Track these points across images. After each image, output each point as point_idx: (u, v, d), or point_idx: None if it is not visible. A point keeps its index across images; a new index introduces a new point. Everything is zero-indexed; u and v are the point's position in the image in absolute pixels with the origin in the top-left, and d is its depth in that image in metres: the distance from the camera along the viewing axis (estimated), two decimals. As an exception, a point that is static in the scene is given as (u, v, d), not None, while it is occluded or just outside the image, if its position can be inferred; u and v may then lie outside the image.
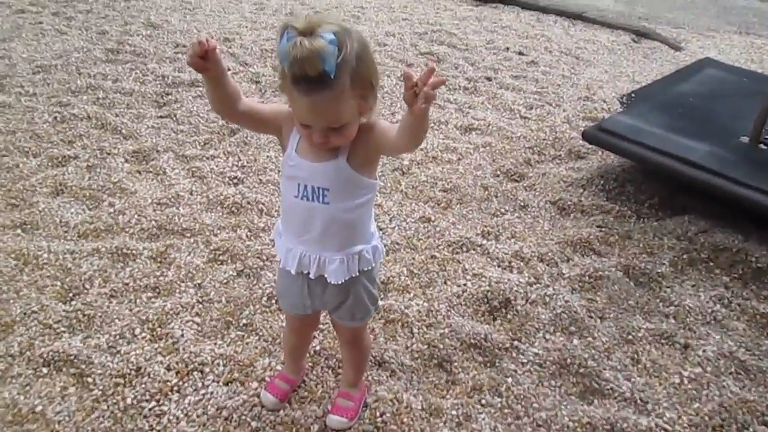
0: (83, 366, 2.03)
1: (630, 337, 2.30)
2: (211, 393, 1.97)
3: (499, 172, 3.41)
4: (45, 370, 2.02)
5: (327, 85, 1.27)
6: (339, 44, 1.24)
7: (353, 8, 6.23)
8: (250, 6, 5.99)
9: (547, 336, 2.29)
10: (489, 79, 4.65)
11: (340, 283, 1.58)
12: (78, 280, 2.39)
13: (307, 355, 2.08)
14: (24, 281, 2.37)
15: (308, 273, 1.59)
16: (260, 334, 2.21)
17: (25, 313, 2.22)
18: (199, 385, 2.00)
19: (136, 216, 2.77)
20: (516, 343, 2.24)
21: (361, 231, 1.58)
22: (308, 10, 5.97)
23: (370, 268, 1.62)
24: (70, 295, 2.33)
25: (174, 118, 3.67)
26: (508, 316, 2.37)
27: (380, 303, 2.28)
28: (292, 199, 1.52)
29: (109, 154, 3.25)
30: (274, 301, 2.33)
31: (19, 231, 2.65)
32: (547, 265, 2.69)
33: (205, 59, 1.30)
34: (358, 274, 1.60)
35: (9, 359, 2.04)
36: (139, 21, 5.22)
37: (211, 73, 1.36)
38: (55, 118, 3.55)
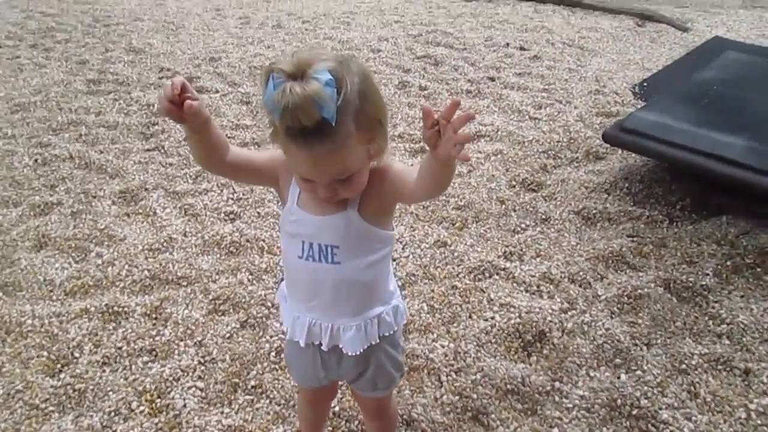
0: (75, 454, 1.80)
1: (683, 366, 2.06)
2: (221, 475, 1.74)
3: (514, 182, 3.17)
4: (33, 462, 1.79)
5: (328, 135, 1.03)
6: (337, 84, 1.01)
7: (342, 14, 5.99)
8: (234, 21, 5.76)
9: (591, 373, 2.04)
10: (492, 79, 4.41)
11: (357, 353, 1.34)
12: (66, 347, 2.16)
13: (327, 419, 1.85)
14: (7, 354, 2.14)
15: (320, 344, 1.36)
16: (271, 396, 1.98)
17: (8, 394, 1.99)
18: (207, 466, 1.77)
19: (126, 266, 2.54)
20: (557, 384, 2.00)
21: (379, 291, 1.34)
22: (296, 21, 5.74)
23: (391, 332, 1.39)
24: (58, 366, 2.10)
25: (162, 151, 3.44)
26: (545, 352, 2.13)
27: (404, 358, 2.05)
28: (296, 260, 1.28)
29: (94, 197, 3.02)
30: (283, 356, 2.10)
31: (0, 294, 2.42)
32: (580, 286, 2.45)
33: (178, 106, 1.06)
34: (378, 340, 1.36)
35: (-8, 451, 1.82)
36: (120, 46, 4.99)
37: (190, 124, 1.12)
38: (36, 160, 3.33)
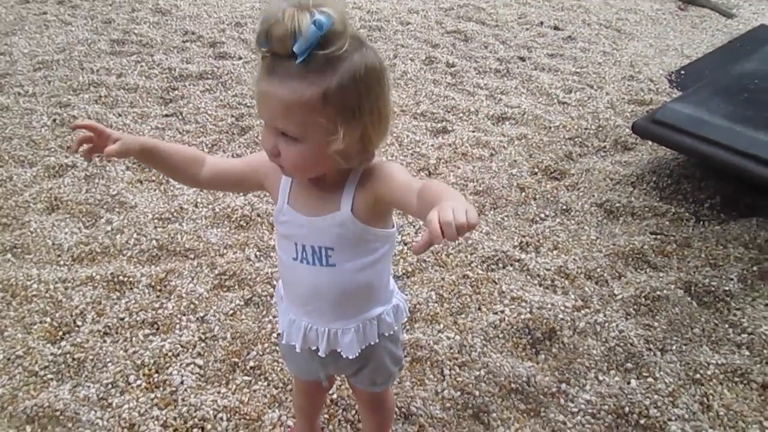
0: (70, 424, 1.79)
1: (698, 375, 1.97)
2: (213, 457, 1.71)
3: (536, 169, 3.06)
4: (29, 429, 1.78)
5: (289, 69, 0.97)
6: (329, 35, 0.95)
7: (374, -17, 5.83)
8: (264, -15, 5.64)
9: (600, 376, 1.97)
10: (522, 59, 4.26)
11: (356, 355, 1.29)
12: (69, 315, 2.14)
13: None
14: (11, 317, 2.14)
15: (317, 348, 1.30)
16: (269, 379, 1.94)
17: (8, 359, 1.98)
18: (199, 446, 1.74)
19: (135, 235, 2.51)
20: (564, 386, 1.93)
21: (378, 291, 1.27)
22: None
23: (392, 332, 1.33)
24: (60, 333, 2.08)
25: (180, 117, 3.39)
26: (554, 351, 2.06)
27: (406, 341, 1.99)
28: (291, 261, 1.21)
29: (109, 161, 2.99)
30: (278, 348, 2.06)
31: (9, 255, 2.41)
32: (596, 283, 2.36)
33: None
34: (377, 340, 1.30)
35: (-11, 416, 1.81)
36: (147, 7, 4.92)
37: (122, 154, 1.16)
38: (54, 120, 3.30)
